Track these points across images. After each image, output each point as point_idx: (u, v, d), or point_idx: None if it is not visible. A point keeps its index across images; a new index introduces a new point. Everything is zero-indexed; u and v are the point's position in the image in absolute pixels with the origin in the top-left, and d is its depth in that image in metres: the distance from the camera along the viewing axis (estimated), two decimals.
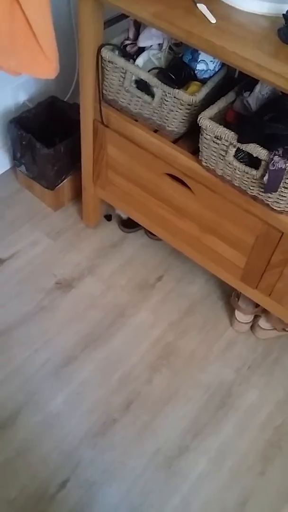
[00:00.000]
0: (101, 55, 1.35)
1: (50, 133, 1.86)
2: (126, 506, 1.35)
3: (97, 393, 1.53)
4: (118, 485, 1.38)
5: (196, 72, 1.32)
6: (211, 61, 1.32)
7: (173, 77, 1.29)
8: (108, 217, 1.95)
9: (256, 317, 1.67)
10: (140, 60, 1.36)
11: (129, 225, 1.90)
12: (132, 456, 1.43)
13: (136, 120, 1.44)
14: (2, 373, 1.54)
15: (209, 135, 1.23)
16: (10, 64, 1.42)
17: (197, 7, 1.13)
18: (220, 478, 1.42)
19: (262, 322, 1.65)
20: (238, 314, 1.66)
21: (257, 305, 1.63)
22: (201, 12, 1.12)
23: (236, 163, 1.22)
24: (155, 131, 1.42)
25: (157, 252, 1.88)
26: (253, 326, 1.69)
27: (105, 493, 1.37)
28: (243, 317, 1.66)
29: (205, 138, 1.25)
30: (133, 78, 1.34)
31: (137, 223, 1.75)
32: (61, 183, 1.88)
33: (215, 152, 1.25)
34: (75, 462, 1.41)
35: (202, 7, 1.12)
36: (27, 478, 1.37)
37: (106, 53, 1.33)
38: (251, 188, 1.25)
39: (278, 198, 1.21)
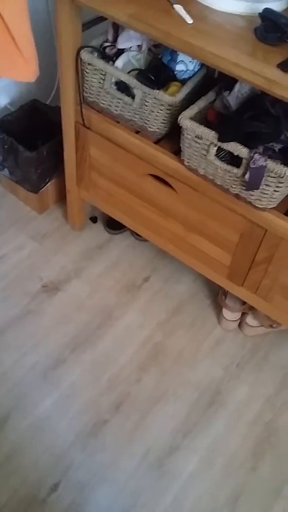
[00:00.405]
0: (80, 58, 1.35)
1: (33, 136, 1.86)
2: (118, 507, 1.35)
3: (87, 395, 1.53)
4: (109, 486, 1.38)
5: (175, 72, 1.33)
6: (190, 61, 1.32)
7: (153, 78, 1.29)
8: (94, 219, 1.95)
9: (243, 314, 1.69)
10: (119, 62, 1.36)
11: (114, 226, 1.90)
12: (123, 457, 1.43)
13: (118, 122, 1.44)
14: None
15: (190, 135, 1.24)
16: None
17: (173, 8, 1.13)
18: (212, 475, 1.42)
19: (250, 320, 1.66)
20: (225, 312, 1.67)
21: (244, 303, 1.64)
22: (178, 13, 1.12)
23: (217, 162, 1.23)
24: (137, 132, 1.42)
25: (144, 253, 1.88)
26: (240, 323, 1.70)
27: (97, 494, 1.37)
28: (230, 315, 1.67)
29: (186, 138, 1.25)
30: (113, 79, 1.34)
31: (122, 225, 1.75)
32: (45, 186, 1.87)
33: (196, 151, 1.26)
34: (66, 464, 1.41)
35: (178, 8, 1.13)
36: (17, 482, 1.37)
37: (85, 55, 1.34)
38: (233, 186, 1.26)
39: (260, 196, 1.22)
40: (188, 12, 1.13)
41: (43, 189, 1.87)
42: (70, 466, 1.40)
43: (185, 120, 1.22)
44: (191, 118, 1.23)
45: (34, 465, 1.40)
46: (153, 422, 1.50)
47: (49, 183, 1.88)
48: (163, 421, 1.50)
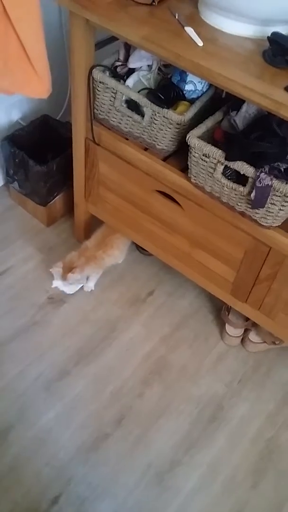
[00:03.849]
0: (92, 76, 1.38)
1: (43, 150, 1.89)
2: None
3: (90, 408, 1.54)
4: (110, 500, 1.38)
5: (184, 92, 1.36)
6: (199, 81, 1.36)
7: (162, 97, 1.33)
8: None
9: (246, 330, 1.70)
10: (130, 81, 1.40)
11: None
12: (124, 471, 1.43)
13: (127, 139, 1.47)
14: None
15: (198, 153, 1.26)
16: (3, 84, 1.45)
17: (184, 30, 1.17)
18: (213, 492, 1.42)
19: (252, 336, 1.67)
20: (228, 328, 1.68)
21: (247, 319, 1.65)
22: (189, 35, 1.16)
23: (224, 180, 1.25)
24: (146, 149, 1.45)
25: (148, 267, 1.90)
26: (243, 339, 1.71)
27: (98, 508, 1.37)
28: (233, 330, 1.68)
29: (194, 156, 1.28)
30: (124, 98, 1.38)
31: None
32: (53, 200, 1.90)
33: (203, 169, 1.28)
34: (67, 477, 1.41)
35: (189, 30, 1.16)
36: (19, 494, 1.37)
37: (97, 74, 1.37)
38: (239, 204, 1.28)
39: (265, 214, 1.24)
40: (199, 34, 1.16)
41: (51, 202, 1.90)
42: (72, 479, 1.40)
43: (193, 138, 1.25)
44: (199, 137, 1.25)
45: (35, 477, 1.40)
46: (154, 436, 1.50)
47: (57, 197, 1.91)
48: (164, 436, 1.51)
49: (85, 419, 1.51)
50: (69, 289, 1.75)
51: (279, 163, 1.16)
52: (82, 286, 1.79)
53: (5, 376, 1.57)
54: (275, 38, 1.10)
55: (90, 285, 1.80)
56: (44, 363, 1.61)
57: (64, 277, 1.65)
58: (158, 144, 1.40)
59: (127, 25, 1.19)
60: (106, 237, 1.74)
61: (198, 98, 1.36)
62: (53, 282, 1.72)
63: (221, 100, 1.38)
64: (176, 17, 1.20)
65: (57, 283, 1.72)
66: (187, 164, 1.34)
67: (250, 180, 1.20)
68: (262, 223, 1.27)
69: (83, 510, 1.36)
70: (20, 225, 1.97)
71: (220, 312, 1.75)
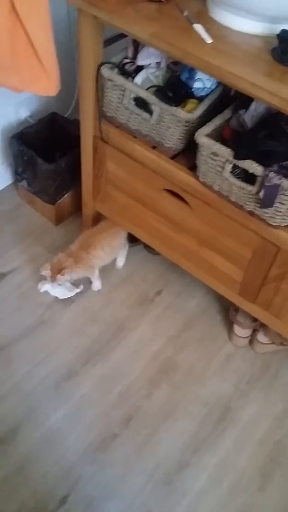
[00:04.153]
0: (100, 73, 1.37)
1: (51, 148, 1.89)
2: None
3: (97, 408, 1.53)
4: (118, 501, 1.38)
5: (193, 90, 1.35)
6: (208, 79, 1.34)
7: (171, 95, 1.31)
8: None
9: (254, 331, 1.68)
10: (138, 78, 1.39)
11: (128, 239, 1.91)
12: (132, 472, 1.43)
13: (135, 137, 1.46)
14: (3, 388, 1.54)
15: (206, 152, 1.25)
16: (12, 82, 1.45)
17: (193, 28, 1.15)
18: (220, 494, 1.41)
19: (260, 336, 1.65)
20: (236, 328, 1.67)
21: (255, 319, 1.63)
22: (197, 32, 1.14)
23: (232, 179, 1.24)
24: (154, 147, 1.44)
25: (156, 267, 1.89)
26: (251, 340, 1.69)
27: (106, 509, 1.36)
28: (241, 331, 1.66)
29: (202, 155, 1.27)
30: (132, 95, 1.36)
31: (136, 238, 1.76)
32: (62, 198, 1.90)
33: (212, 168, 1.27)
34: (75, 477, 1.40)
35: (198, 27, 1.15)
36: (27, 494, 1.37)
37: (105, 71, 1.36)
38: (248, 203, 1.26)
39: (274, 213, 1.22)
40: (207, 31, 1.14)
41: (59, 201, 1.90)
42: (79, 480, 1.40)
43: (202, 137, 1.23)
44: (207, 135, 1.24)
45: (43, 477, 1.40)
46: (162, 437, 1.49)
47: (65, 195, 1.90)
48: (172, 437, 1.50)
49: (92, 420, 1.51)
50: (60, 293, 1.72)
51: None
52: (75, 292, 1.75)
53: (13, 376, 1.57)
54: (284, 36, 1.08)
55: (97, 285, 1.79)
56: (52, 363, 1.61)
57: (53, 279, 1.62)
58: (166, 142, 1.39)
59: (136, 22, 1.18)
60: (89, 238, 1.71)
61: (206, 96, 1.35)
62: (41, 287, 1.70)
63: (229, 98, 1.36)
64: (185, 14, 1.19)
65: (47, 287, 1.70)
66: (196, 163, 1.32)
67: (258, 179, 1.18)
68: (270, 223, 1.25)
69: (91, 510, 1.36)
70: (29, 223, 1.97)
71: (228, 312, 1.74)
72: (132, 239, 1.89)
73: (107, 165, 1.59)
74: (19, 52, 1.33)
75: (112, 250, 1.77)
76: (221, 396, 1.59)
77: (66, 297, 1.74)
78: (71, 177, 1.85)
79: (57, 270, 1.62)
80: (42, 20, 1.26)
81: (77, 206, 1.96)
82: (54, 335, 1.68)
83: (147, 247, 1.92)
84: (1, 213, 1.99)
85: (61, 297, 1.74)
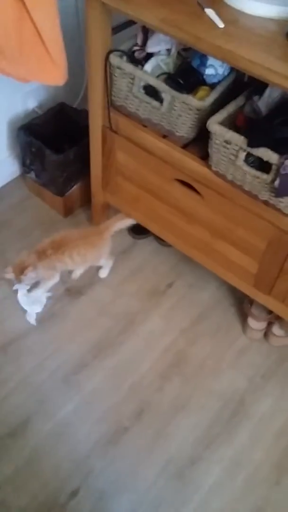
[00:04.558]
0: (109, 61, 1.34)
1: (59, 139, 1.86)
2: None
3: (108, 402, 1.52)
4: (129, 495, 1.36)
5: (205, 77, 1.31)
6: (220, 65, 1.31)
7: (182, 82, 1.28)
8: None
9: (269, 324, 1.65)
10: (148, 66, 1.35)
11: (138, 231, 1.89)
12: (143, 466, 1.41)
13: (145, 126, 1.43)
14: (13, 381, 1.53)
15: (219, 140, 1.22)
16: (19, 72, 1.42)
17: (204, 12, 1.12)
18: (234, 488, 1.39)
19: (276, 329, 1.62)
20: (250, 321, 1.64)
21: (270, 312, 1.60)
22: (209, 17, 1.11)
23: (246, 168, 1.21)
24: (164, 136, 1.41)
25: (168, 258, 1.86)
26: (266, 333, 1.66)
27: (117, 503, 1.35)
28: (256, 324, 1.63)
29: (215, 143, 1.23)
30: (142, 83, 1.34)
31: (146, 229, 1.74)
32: (71, 190, 1.88)
33: (225, 157, 1.24)
34: (86, 471, 1.39)
35: (210, 11, 1.11)
36: (38, 487, 1.36)
37: (114, 59, 1.33)
38: (262, 192, 1.23)
39: None
40: (219, 16, 1.11)
41: (68, 192, 1.87)
42: (90, 473, 1.39)
43: (214, 125, 1.20)
44: (220, 123, 1.21)
45: (54, 470, 1.39)
46: (174, 431, 1.48)
47: (74, 187, 1.88)
48: (185, 431, 1.48)
49: (103, 413, 1.49)
50: (27, 306, 1.64)
51: None
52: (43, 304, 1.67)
53: (23, 368, 1.56)
54: None
55: (105, 272, 1.76)
56: (62, 356, 1.60)
57: (18, 280, 1.55)
58: (177, 131, 1.36)
59: (145, 8, 1.14)
60: (63, 240, 1.60)
61: (219, 82, 1.31)
62: (17, 294, 1.63)
63: (243, 85, 1.33)
64: None
65: (19, 295, 1.63)
66: (208, 152, 1.29)
67: (273, 167, 1.15)
68: (286, 212, 1.22)
69: (102, 503, 1.35)
70: (37, 216, 1.95)
71: (242, 304, 1.71)
72: (142, 231, 1.86)
73: (117, 155, 1.56)
74: (25, 41, 1.31)
75: (82, 261, 1.64)
76: (235, 390, 1.56)
77: (34, 311, 1.65)
78: (80, 168, 1.82)
79: (20, 270, 1.53)
80: (48, 9, 1.24)
81: (86, 197, 1.93)
82: (64, 327, 1.66)
83: (158, 238, 1.90)
84: (9, 206, 1.97)
85: (30, 310, 1.64)
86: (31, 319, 1.64)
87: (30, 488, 1.35)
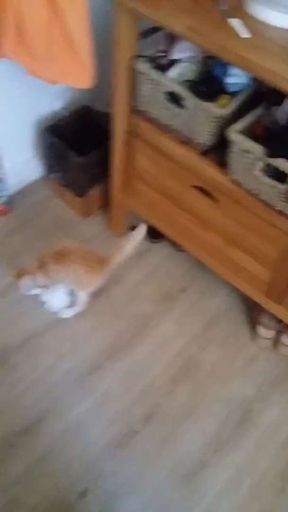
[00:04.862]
0: (134, 67, 1.36)
1: (82, 141, 1.88)
2: None
3: (119, 404, 1.53)
4: (138, 497, 1.37)
5: (226, 85, 1.32)
6: (242, 74, 1.31)
7: (204, 90, 1.30)
8: (133, 229, 1.95)
9: (279, 333, 1.65)
10: (172, 72, 1.37)
11: (154, 235, 1.90)
12: (152, 469, 1.42)
13: (166, 132, 1.45)
14: (28, 379, 1.55)
15: (237, 149, 1.23)
16: (48, 74, 1.45)
17: (229, 22, 1.13)
18: (240, 495, 1.40)
19: (285, 339, 1.62)
20: (260, 329, 1.64)
21: (280, 321, 1.60)
22: (233, 26, 1.12)
23: (263, 177, 1.21)
24: (184, 143, 1.42)
25: (182, 263, 1.87)
26: (275, 342, 1.66)
27: (125, 504, 1.36)
28: (265, 332, 1.63)
29: (233, 152, 1.24)
30: (165, 90, 1.35)
31: (162, 234, 1.75)
32: (91, 192, 1.90)
33: (243, 165, 1.25)
34: (96, 472, 1.41)
35: (234, 21, 1.13)
36: (48, 485, 1.38)
37: (139, 64, 1.35)
38: (278, 202, 1.24)
39: None
40: (243, 26, 1.12)
41: (88, 194, 1.89)
42: (100, 474, 1.40)
43: (234, 133, 1.21)
44: (240, 132, 1.22)
45: (65, 469, 1.40)
46: (183, 436, 1.48)
47: (94, 189, 1.90)
48: (193, 436, 1.49)
49: (114, 415, 1.51)
50: (55, 303, 1.65)
51: None
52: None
53: (38, 367, 1.58)
54: None
55: (68, 312, 1.68)
56: (76, 357, 1.61)
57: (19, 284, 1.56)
58: (197, 138, 1.37)
59: (173, 15, 1.16)
60: (66, 252, 1.55)
61: (240, 91, 1.32)
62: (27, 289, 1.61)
63: (263, 94, 1.33)
64: (220, 8, 1.16)
65: (37, 291, 1.63)
66: (226, 160, 1.30)
67: None
68: None
69: (110, 505, 1.36)
70: (57, 216, 1.98)
71: (252, 312, 1.71)
72: (158, 235, 1.88)
73: (137, 160, 1.58)
74: (56, 44, 1.33)
75: (75, 280, 1.58)
76: (243, 397, 1.57)
77: (57, 310, 1.68)
78: (101, 171, 1.84)
79: (21, 274, 1.55)
80: (80, 13, 1.26)
81: (105, 200, 1.95)
82: (79, 328, 1.68)
83: (172, 243, 1.91)
84: (31, 205, 2.00)
85: (53, 308, 1.67)
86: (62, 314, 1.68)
87: (41, 487, 1.37)
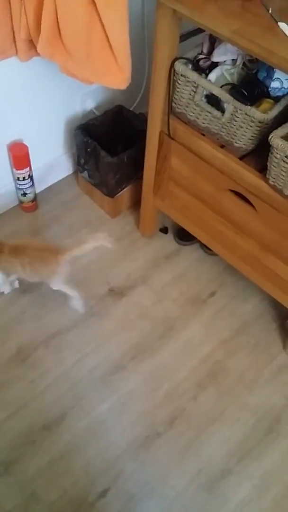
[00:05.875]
0: (174, 69, 1.35)
1: (114, 141, 1.88)
2: None
3: (143, 405, 1.52)
4: (157, 501, 1.37)
5: (269, 89, 1.30)
6: (286, 79, 1.29)
7: (246, 93, 1.27)
8: (164, 230, 1.94)
9: None
10: (212, 75, 1.35)
11: (184, 237, 1.89)
12: (173, 473, 1.41)
13: (203, 135, 1.43)
14: (52, 375, 1.56)
15: (280, 154, 1.20)
16: (84, 73, 1.45)
17: (278, 26, 1.11)
18: (264, 505, 1.37)
19: None
20: None
21: None
22: (283, 31, 1.10)
23: None
24: (222, 146, 1.41)
25: (212, 267, 1.85)
26: None
27: (145, 507, 1.36)
28: None
29: (275, 157, 1.22)
30: (205, 92, 1.34)
31: (192, 236, 1.73)
32: (121, 192, 1.89)
33: (284, 171, 1.23)
34: (116, 472, 1.40)
35: (283, 26, 1.10)
36: (68, 483, 1.38)
37: (179, 66, 1.34)
38: None
39: None
40: None
41: (118, 194, 1.89)
42: (120, 475, 1.40)
43: (277, 139, 1.19)
44: (283, 137, 1.20)
45: (85, 468, 1.40)
46: (207, 442, 1.47)
47: (125, 189, 1.89)
48: (217, 443, 1.47)
49: (137, 416, 1.50)
50: None
51: None
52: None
53: (63, 364, 1.58)
54: None
55: (75, 304, 1.68)
56: (101, 355, 1.61)
57: None
58: (236, 142, 1.35)
59: (217, 18, 1.14)
60: (22, 247, 1.55)
61: (283, 96, 1.30)
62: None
63: None
64: (270, 11, 1.14)
65: None
66: (266, 165, 1.28)
67: None
68: None
69: (130, 506, 1.35)
70: (86, 214, 1.98)
71: (284, 320, 1.69)
72: (188, 237, 1.86)
73: (171, 162, 1.57)
74: (94, 44, 1.33)
75: (32, 273, 1.57)
76: (271, 406, 1.54)
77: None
78: (132, 171, 1.84)
79: None
80: (120, 13, 1.25)
81: (135, 200, 1.95)
82: (105, 327, 1.68)
83: (203, 246, 1.89)
84: (60, 202, 2.01)
85: None
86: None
87: (61, 483, 1.38)
